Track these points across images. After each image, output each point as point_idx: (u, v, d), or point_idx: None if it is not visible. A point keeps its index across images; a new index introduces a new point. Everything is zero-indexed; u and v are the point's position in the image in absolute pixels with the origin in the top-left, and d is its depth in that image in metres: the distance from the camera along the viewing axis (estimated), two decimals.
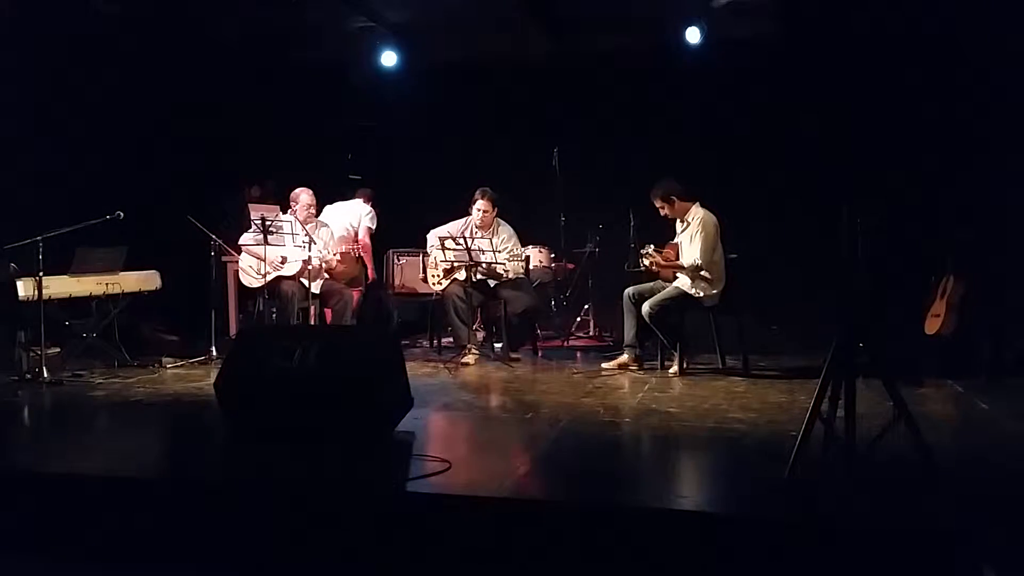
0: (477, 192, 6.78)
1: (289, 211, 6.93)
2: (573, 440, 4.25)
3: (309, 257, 6.64)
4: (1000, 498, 3.27)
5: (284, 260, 6.76)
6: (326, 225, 7.16)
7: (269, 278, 6.72)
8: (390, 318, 7.89)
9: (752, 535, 3.00)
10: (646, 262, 6.17)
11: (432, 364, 6.59)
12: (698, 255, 5.92)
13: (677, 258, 6.11)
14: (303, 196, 6.90)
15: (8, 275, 5.94)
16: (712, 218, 6.04)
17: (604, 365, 6.27)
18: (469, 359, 6.52)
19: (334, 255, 6.82)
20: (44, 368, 5.78)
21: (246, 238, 6.82)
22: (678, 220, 6.18)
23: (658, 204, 6.15)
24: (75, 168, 7.30)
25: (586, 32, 7.98)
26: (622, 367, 6.17)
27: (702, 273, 5.95)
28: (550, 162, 7.79)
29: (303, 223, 6.73)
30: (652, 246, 6.15)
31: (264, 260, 6.60)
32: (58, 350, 6.34)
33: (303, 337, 4.39)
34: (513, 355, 6.75)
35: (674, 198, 6.10)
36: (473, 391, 5.66)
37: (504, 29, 7.90)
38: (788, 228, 7.21)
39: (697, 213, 6.07)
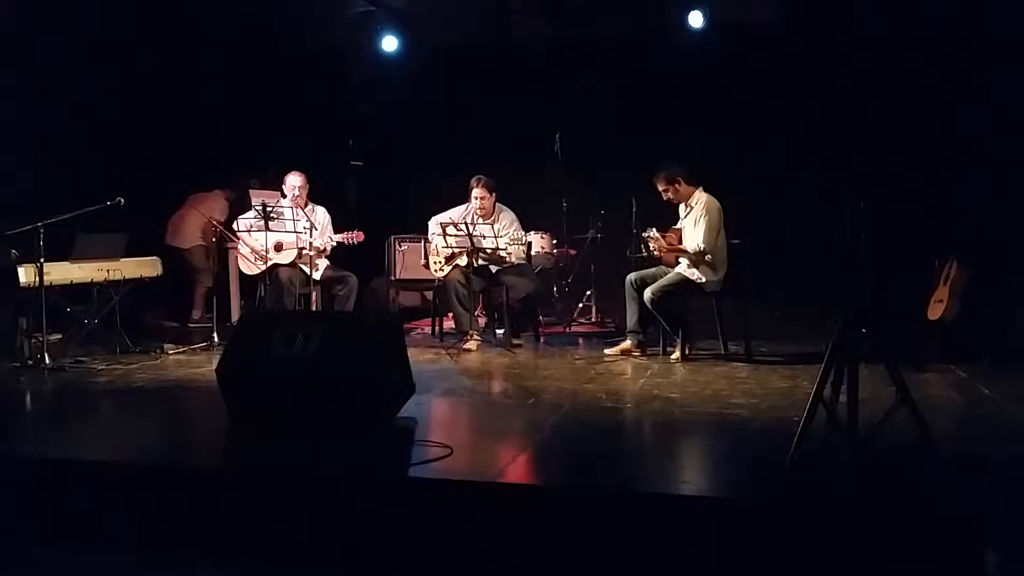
0: (472, 180, 6.74)
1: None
2: (575, 426, 4.24)
3: (310, 243, 6.62)
4: (1002, 482, 3.27)
5: (278, 246, 6.71)
6: (322, 208, 7.09)
7: (268, 264, 6.69)
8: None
9: (754, 520, 3.00)
10: (651, 244, 6.15)
11: (434, 350, 6.58)
12: (702, 240, 5.90)
13: (680, 243, 6.09)
14: (288, 178, 6.79)
15: (9, 261, 5.93)
16: (715, 203, 6.02)
17: (607, 351, 6.26)
18: (471, 345, 6.51)
19: (328, 240, 6.79)
20: (46, 354, 5.78)
21: (242, 223, 6.76)
22: (681, 204, 6.16)
23: (662, 188, 6.13)
24: (75, 154, 7.28)
25: (588, 15, 7.93)
26: (625, 353, 6.16)
27: (705, 258, 5.93)
28: (552, 148, 7.75)
29: (301, 207, 6.69)
30: (654, 228, 6.13)
31: (256, 250, 6.55)
32: (59, 336, 6.35)
33: (305, 323, 4.39)
34: (515, 341, 6.74)
35: (678, 182, 6.07)
36: (475, 377, 5.65)
37: (506, 13, 7.86)
38: (791, 213, 7.18)
39: (700, 198, 6.05)
